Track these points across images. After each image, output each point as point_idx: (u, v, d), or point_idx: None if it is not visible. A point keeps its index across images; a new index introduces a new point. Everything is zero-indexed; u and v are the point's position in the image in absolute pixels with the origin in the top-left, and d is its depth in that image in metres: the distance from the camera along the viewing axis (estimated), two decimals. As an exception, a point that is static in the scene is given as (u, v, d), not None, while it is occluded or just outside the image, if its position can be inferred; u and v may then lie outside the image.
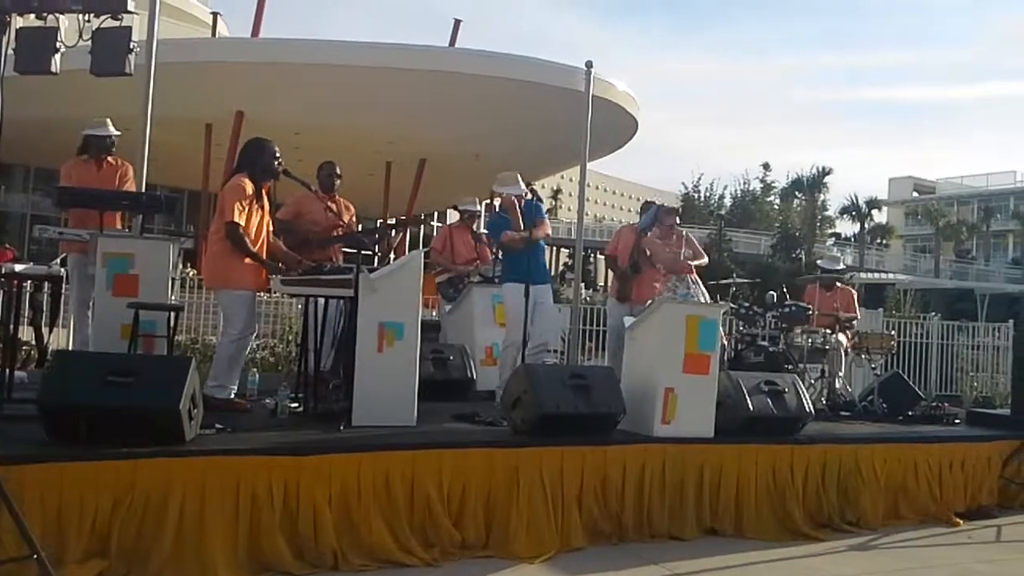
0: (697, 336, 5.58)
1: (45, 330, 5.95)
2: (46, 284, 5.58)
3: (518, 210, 6.72)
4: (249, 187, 5.55)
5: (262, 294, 8.09)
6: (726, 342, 7.62)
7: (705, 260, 7.42)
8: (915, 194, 61.86)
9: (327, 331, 6.02)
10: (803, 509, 5.66)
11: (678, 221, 7.35)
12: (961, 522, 6.19)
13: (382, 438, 4.75)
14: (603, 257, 8.57)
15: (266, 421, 5.28)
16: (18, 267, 5.06)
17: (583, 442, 5.08)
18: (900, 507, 6.12)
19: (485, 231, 8.09)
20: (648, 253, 7.55)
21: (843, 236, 51.92)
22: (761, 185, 51.18)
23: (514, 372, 5.57)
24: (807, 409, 5.97)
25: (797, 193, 49.30)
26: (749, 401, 5.71)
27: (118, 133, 6.55)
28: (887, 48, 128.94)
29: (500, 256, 7.38)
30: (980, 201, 57.72)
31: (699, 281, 7.22)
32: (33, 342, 7.21)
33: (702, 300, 6.91)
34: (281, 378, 6.61)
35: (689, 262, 7.35)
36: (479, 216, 8.47)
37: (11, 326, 5.37)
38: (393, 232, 7.86)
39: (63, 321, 7.38)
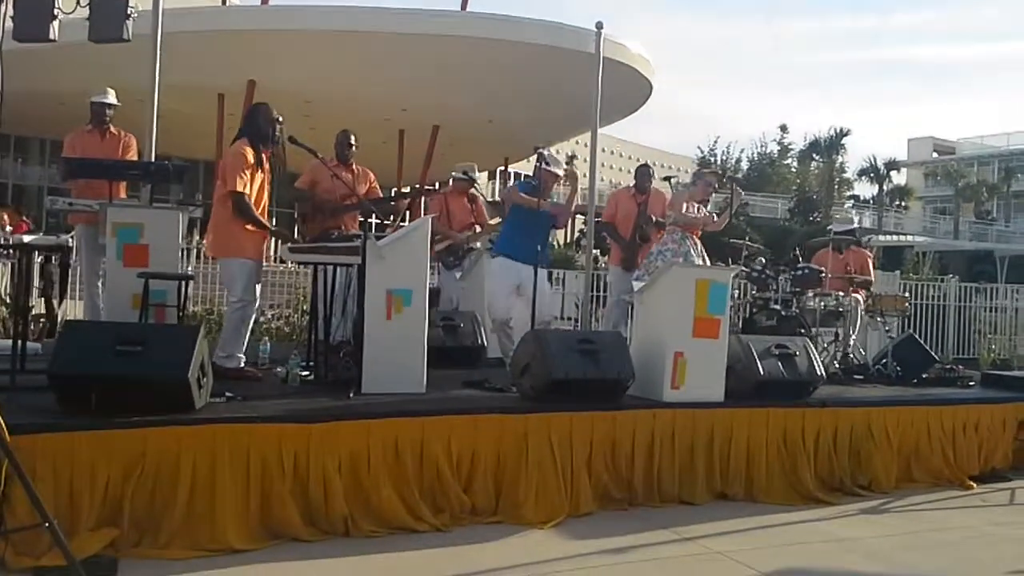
0: (707, 300, 5.56)
1: (55, 301, 6.00)
2: (55, 255, 5.60)
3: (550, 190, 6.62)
4: (250, 154, 5.56)
5: (278, 264, 8.03)
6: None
7: (719, 227, 7.36)
8: (935, 155, 61.07)
9: (337, 300, 6.03)
10: (814, 473, 5.66)
11: (716, 185, 7.27)
12: (975, 485, 6.17)
13: (391, 405, 4.76)
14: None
15: (276, 389, 5.31)
16: (26, 238, 5.08)
17: (592, 408, 5.08)
18: (913, 470, 6.11)
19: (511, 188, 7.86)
20: (668, 206, 7.47)
21: (862, 198, 51.43)
22: (778, 148, 50.64)
23: (523, 338, 5.55)
24: (818, 372, 5.95)
25: (815, 155, 48.79)
26: (760, 365, 5.69)
27: (118, 103, 6.54)
28: (904, 8, 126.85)
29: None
30: (1001, 161, 56.87)
31: (699, 243, 7.16)
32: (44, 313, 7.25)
33: (697, 259, 6.89)
34: (292, 347, 6.64)
35: (705, 226, 7.27)
36: (475, 183, 8.32)
37: (22, 297, 5.40)
38: (405, 199, 7.83)
39: (76, 293, 7.40)
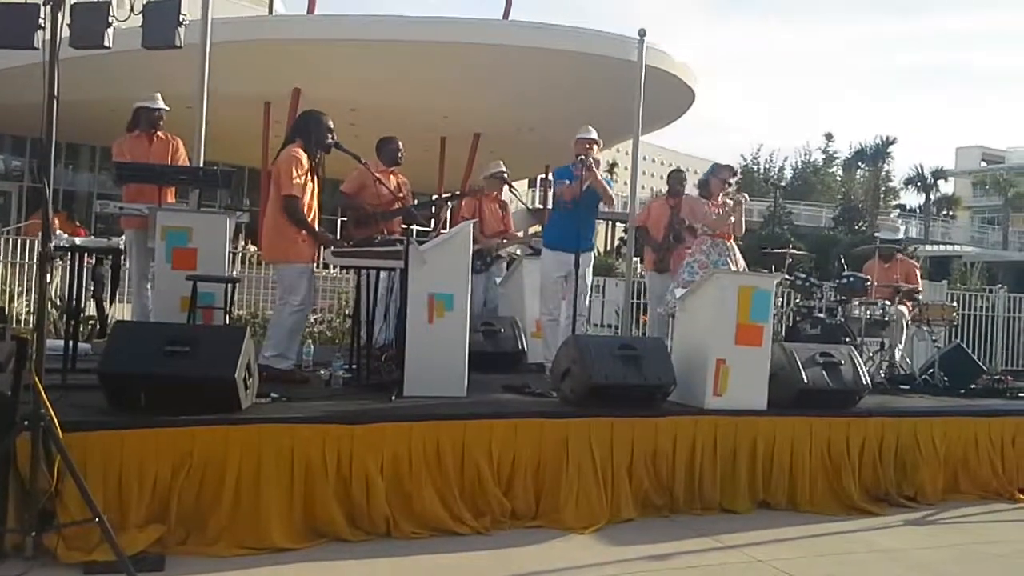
0: (750, 307, 5.51)
1: (106, 303, 6.12)
2: (106, 258, 5.72)
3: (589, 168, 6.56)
4: (305, 159, 5.61)
5: (322, 269, 8.13)
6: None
7: (740, 232, 7.23)
8: (983, 164, 59.97)
9: (379, 303, 6.10)
10: (859, 483, 5.58)
11: (731, 181, 7.19)
12: (1025, 498, 6.04)
13: (432, 408, 4.79)
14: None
15: (320, 391, 5.37)
16: (78, 240, 5.20)
17: (633, 413, 5.07)
18: (960, 482, 5.99)
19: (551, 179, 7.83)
20: (689, 212, 7.40)
21: (908, 207, 50.72)
22: (823, 156, 50.12)
23: (564, 343, 5.56)
24: (864, 381, 5.87)
25: (860, 164, 48.22)
26: (803, 373, 5.63)
27: (167, 108, 6.66)
28: (952, 13, 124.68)
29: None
30: (1052, 171, 55.74)
31: (736, 249, 7.07)
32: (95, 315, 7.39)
33: (735, 268, 6.81)
34: (335, 350, 6.70)
35: (730, 226, 7.15)
36: (506, 180, 8.32)
37: (74, 299, 5.52)
38: (447, 205, 7.89)
39: (126, 295, 7.56)
